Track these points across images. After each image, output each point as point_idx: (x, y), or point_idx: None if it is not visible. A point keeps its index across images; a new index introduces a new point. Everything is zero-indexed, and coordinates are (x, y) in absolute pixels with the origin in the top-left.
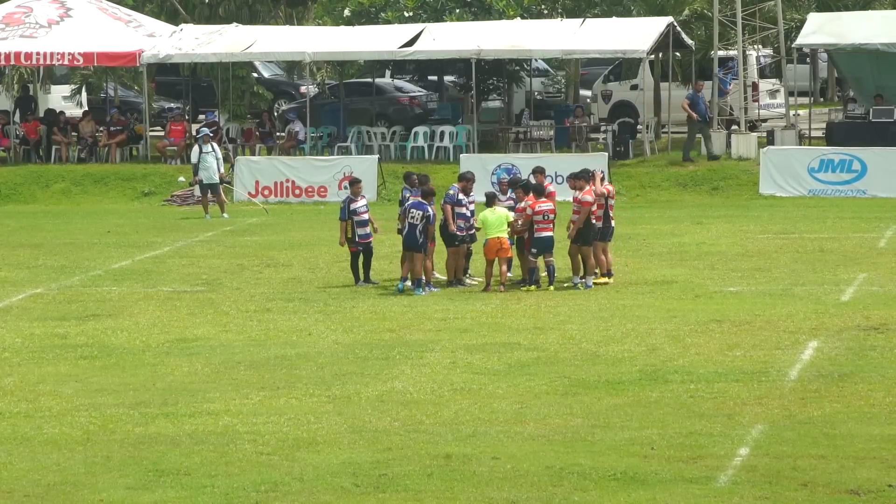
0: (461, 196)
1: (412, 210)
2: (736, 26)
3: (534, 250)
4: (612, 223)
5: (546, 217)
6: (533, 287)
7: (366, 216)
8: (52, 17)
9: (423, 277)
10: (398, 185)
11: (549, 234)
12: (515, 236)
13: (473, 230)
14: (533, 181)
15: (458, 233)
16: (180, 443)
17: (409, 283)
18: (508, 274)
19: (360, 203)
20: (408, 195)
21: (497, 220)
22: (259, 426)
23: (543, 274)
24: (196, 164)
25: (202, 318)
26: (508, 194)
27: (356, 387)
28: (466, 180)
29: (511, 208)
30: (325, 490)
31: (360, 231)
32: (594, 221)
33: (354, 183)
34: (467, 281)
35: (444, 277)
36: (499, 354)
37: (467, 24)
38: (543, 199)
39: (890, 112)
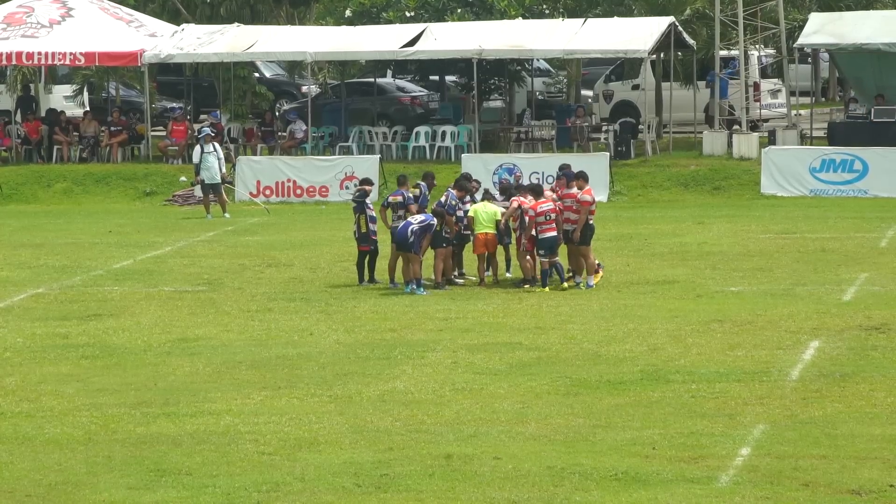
0: (457, 202)
1: (417, 214)
2: (737, 26)
3: (541, 251)
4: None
5: (548, 217)
6: (547, 288)
7: (374, 213)
8: (53, 16)
9: (422, 277)
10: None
11: (553, 234)
12: (514, 238)
13: (467, 232)
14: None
15: (447, 235)
16: (182, 443)
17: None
18: (508, 274)
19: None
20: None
21: (486, 216)
22: (260, 426)
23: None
24: (198, 164)
25: (203, 318)
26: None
27: (357, 387)
28: (465, 190)
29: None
30: (327, 490)
31: (373, 227)
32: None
33: (366, 183)
34: (458, 281)
35: (474, 278)
36: (500, 354)
37: (469, 23)
38: (543, 200)
39: (891, 112)
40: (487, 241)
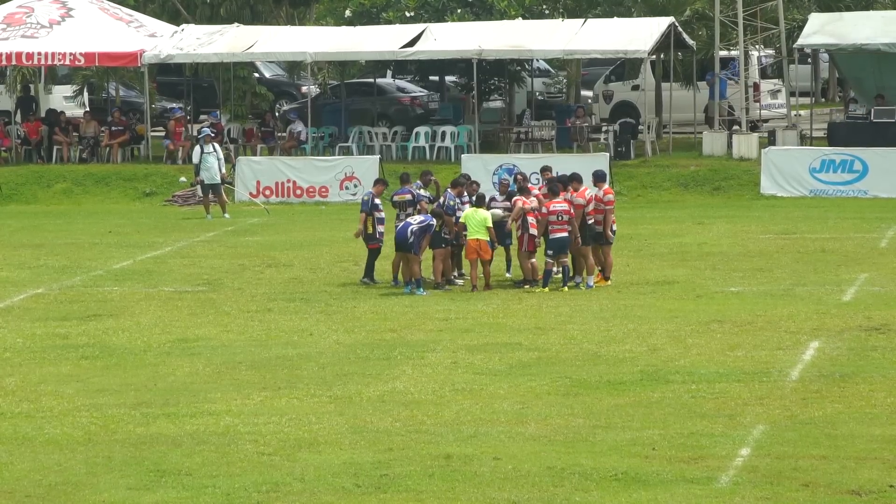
0: (457, 201)
1: (417, 215)
2: (737, 26)
3: (549, 251)
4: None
5: (560, 217)
6: (547, 289)
7: (383, 214)
8: (53, 17)
9: (422, 277)
10: (399, 185)
11: (565, 234)
12: (514, 237)
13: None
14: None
15: (446, 236)
16: (181, 443)
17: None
18: (508, 275)
19: (379, 201)
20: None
21: (477, 222)
22: (260, 426)
23: (558, 276)
24: (197, 164)
25: (203, 319)
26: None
27: (357, 387)
28: (461, 185)
29: (508, 209)
30: (327, 490)
31: (380, 228)
32: (593, 224)
33: (380, 183)
34: (458, 281)
35: (461, 282)
36: (500, 355)
37: (469, 24)
38: (558, 200)
39: (891, 112)
40: (480, 247)
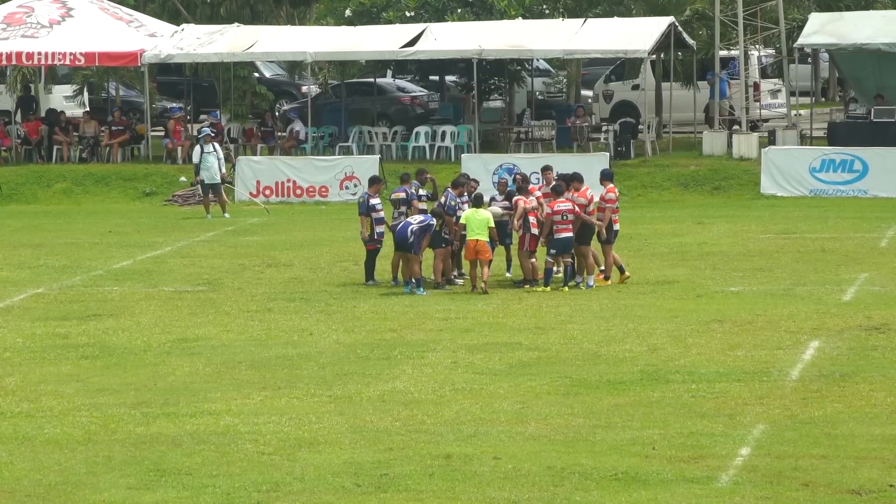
0: (458, 201)
1: (415, 214)
2: (737, 26)
3: (552, 251)
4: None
5: (565, 217)
6: (548, 288)
7: (381, 214)
8: (53, 16)
9: (422, 277)
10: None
11: (569, 234)
12: (514, 236)
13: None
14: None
15: (446, 236)
16: (181, 443)
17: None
18: (508, 274)
19: (377, 201)
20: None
21: (478, 223)
22: (260, 426)
23: (559, 275)
24: (197, 164)
25: (203, 318)
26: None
27: (357, 387)
28: (461, 185)
29: (507, 209)
30: (327, 490)
31: (378, 228)
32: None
33: (375, 182)
34: (458, 281)
35: (461, 282)
36: (500, 354)
37: (469, 23)
38: (562, 200)
39: (891, 112)
40: (478, 248)
